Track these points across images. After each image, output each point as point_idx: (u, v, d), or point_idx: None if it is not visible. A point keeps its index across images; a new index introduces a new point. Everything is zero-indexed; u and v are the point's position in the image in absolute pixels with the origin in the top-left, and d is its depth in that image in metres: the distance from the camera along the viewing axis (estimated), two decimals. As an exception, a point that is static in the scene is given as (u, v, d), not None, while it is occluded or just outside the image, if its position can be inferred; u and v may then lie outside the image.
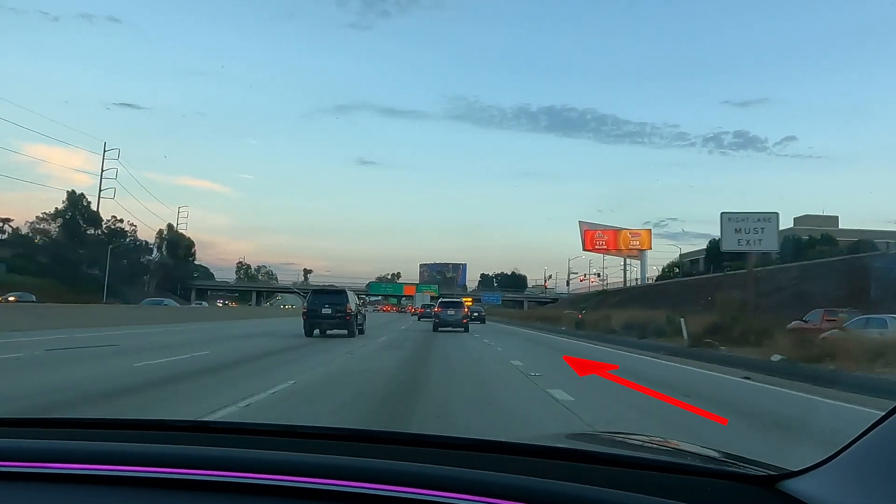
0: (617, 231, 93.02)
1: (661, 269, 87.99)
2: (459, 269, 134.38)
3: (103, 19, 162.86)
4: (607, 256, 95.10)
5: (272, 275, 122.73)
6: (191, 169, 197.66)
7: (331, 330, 22.43)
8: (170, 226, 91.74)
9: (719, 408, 7.97)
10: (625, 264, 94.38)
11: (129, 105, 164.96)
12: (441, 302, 34.57)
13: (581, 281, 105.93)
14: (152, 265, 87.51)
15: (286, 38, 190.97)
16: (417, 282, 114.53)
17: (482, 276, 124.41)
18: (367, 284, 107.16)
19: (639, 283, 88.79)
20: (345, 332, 22.37)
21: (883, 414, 0.97)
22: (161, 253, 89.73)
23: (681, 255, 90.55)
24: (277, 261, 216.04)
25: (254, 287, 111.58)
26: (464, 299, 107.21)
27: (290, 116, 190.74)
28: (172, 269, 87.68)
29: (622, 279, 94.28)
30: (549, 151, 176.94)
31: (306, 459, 1.12)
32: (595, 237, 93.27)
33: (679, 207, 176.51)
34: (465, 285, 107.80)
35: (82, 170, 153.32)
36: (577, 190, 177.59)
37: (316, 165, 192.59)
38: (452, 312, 31.23)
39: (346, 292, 24.08)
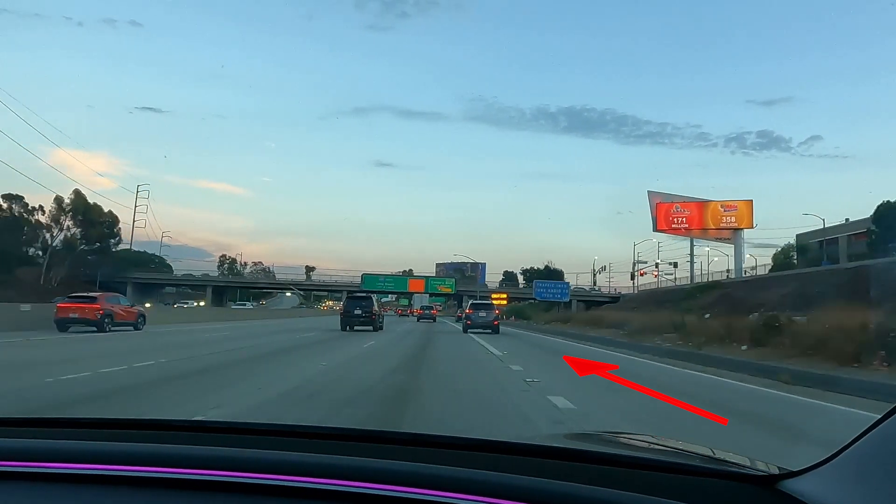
0: (703, 204, 68.23)
1: (753, 260, 66.11)
2: (478, 267, 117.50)
3: (125, 24, 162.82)
4: (685, 238, 72.48)
5: (269, 271, 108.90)
6: (210, 172, 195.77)
7: (359, 326, 29.14)
8: (77, 193, 66.14)
9: None
10: (691, 251, 71.79)
11: (150, 109, 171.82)
12: (472, 304, 34.21)
13: (642, 275, 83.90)
14: (49, 250, 64.61)
15: (305, 40, 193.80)
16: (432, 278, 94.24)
17: (506, 273, 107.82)
18: (361, 277, 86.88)
19: (730, 275, 65.94)
20: (370, 327, 29.18)
21: (883, 414, 0.96)
22: (65, 231, 65.45)
23: (797, 235, 66.42)
24: (293, 263, 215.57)
25: (230, 283, 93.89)
26: (496, 296, 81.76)
27: (309, 119, 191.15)
28: (85, 256, 66.98)
29: (688, 272, 72.22)
30: (569, 152, 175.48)
31: (306, 459, 1.12)
32: (671, 213, 70.14)
33: None
34: (484, 283, 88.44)
35: (105, 174, 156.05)
36: (596, 191, 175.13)
37: (333, 167, 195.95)
38: (484, 314, 31.36)
39: (372, 298, 32.61)
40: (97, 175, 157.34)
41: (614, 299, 74.08)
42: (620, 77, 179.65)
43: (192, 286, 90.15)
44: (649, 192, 72.29)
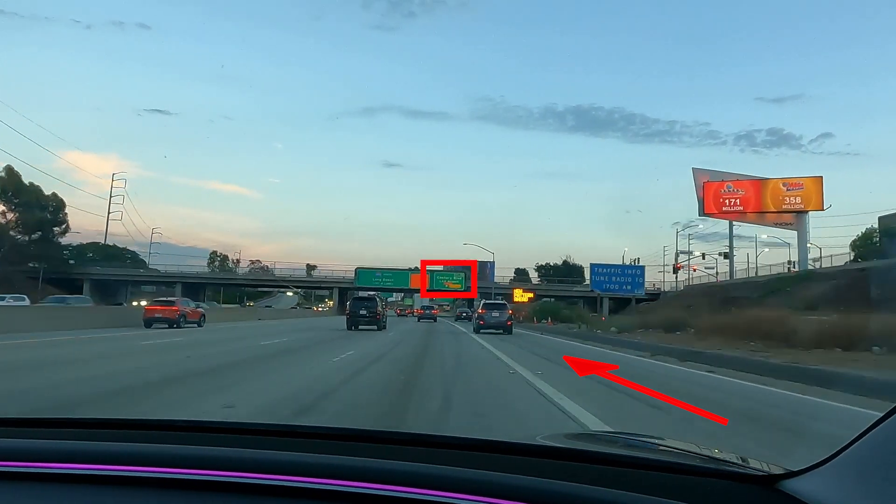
0: (760, 182, 57.68)
1: (817, 250, 54.98)
2: (487, 265, 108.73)
3: (133, 26, 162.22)
4: (744, 224, 61.30)
5: (267, 270, 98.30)
6: (219, 173, 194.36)
7: (364, 326, 30.31)
8: (9, 171, 56.48)
9: None
10: (730, 240, 60.94)
11: (159, 111, 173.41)
12: (485, 304, 33.02)
13: (679, 269, 72.76)
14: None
15: (312, 41, 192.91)
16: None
17: (517, 270, 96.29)
18: (355, 272, 75.50)
19: (794, 267, 54.67)
20: (374, 327, 30.34)
21: (883, 414, 0.96)
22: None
23: (880, 218, 54.35)
24: (300, 263, 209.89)
25: (204, 279, 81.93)
26: (519, 293, 68.82)
27: (316, 119, 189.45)
28: (25, 247, 56.94)
29: (727, 268, 61.37)
30: (577, 151, 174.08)
31: (306, 459, 1.12)
32: (722, 194, 58.95)
33: (695, 210, 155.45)
34: (494, 281, 78.67)
35: (116, 175, 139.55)
36: (604, 190, 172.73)
37: (341, 168, 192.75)
38: (497, 314, 30.39)
39: (376, 299, 33.52)
40: (106, 176, 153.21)
41: (653, 296, 62.88)
42: (628, 75, 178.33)
43: (168, 283, 79.09)
44: (694, 170, 61.18)
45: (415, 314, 75.19)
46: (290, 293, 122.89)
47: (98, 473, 1.12)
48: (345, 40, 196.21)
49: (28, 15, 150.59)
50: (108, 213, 79.54)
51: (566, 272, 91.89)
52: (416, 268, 76.31)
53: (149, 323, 27.95)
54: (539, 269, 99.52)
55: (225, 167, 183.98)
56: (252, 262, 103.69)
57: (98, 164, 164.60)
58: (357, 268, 75.99)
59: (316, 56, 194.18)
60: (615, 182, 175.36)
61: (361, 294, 41.78)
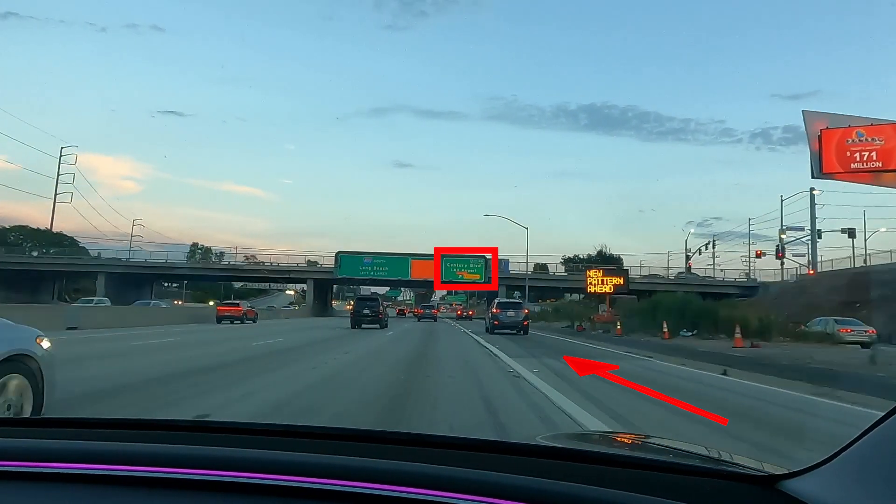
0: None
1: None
2: (501, 263, 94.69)
3: (147, 28, 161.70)
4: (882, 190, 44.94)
5: (260, 263, 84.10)
6: (233, 174, 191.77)
7: (366, 325, 32.38)
8: None
9: None
10: (812, 215, 45.28)
11: (173, 112, 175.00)
12: (499, 303, 31.40)
13: (759, 256, 57.22)
14: None
15: (324, 41, 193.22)
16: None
17: (537, 265, 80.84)
18: (336, 257, 59.12)
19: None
20: (377, 325, 32.48)
21: (883, 414, 0.95)
22: None
23: None
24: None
25: (133, 266, 65.29)
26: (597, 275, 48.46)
27: (328, 120, 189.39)
28: None
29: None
30: (590, 150, 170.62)
31: (307, 459, 1.12)
32: (848, 145, 42.18)
33: (724, 206, 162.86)
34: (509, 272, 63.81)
35: (129, 177, 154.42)
36: (617, 188, 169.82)
37: (353, 169, 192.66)
38: (512, 314, 29.01)
39: (378, 299, 36.48)
40: (122, 178, 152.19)
41: (748, 290, 46.68)
42: (642, 73, 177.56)
43: (87, 272, 63.40)
44: (806, 114, 43.31)
45: (414, 313, 67.96)
46: (289, 291, 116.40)
47: (98, 473, 1.11)
48: (356, 40, 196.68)
49: (43, 18, 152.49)
50: (56, 194, 64.80)
51: (603, 263, 75.78)
52: (418, 253, 61.64)
53: (219, 320, 36.26)
54: (567, 261, 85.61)
55: (238, 168, 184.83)
56: (248, 257, 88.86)
57: (113, 166, 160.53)
58: (338, 252, 59.05)
59: (328, 56, 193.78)
60: (628, 180, 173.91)
61: (365, 294, 44.61)
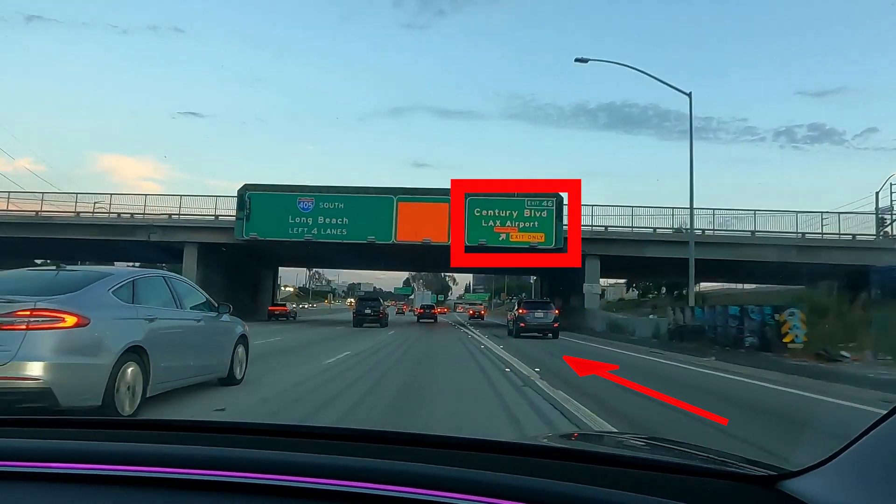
0: None
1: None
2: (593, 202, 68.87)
3: (168, 30, 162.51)
4: None
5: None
6: (251, 175, 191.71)
7: (368, 324, 33.26)
8: None
9: None
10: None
11: (192, 113, 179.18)
12: (526, 302, 28.40)
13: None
14: None
15: (343, 41, 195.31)
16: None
17: None
18: (241, 198, 31.78)
19: None
20: (378, 324, 33.50)
21: (883, 414, 0.95)
22: None
23: None
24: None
25: None
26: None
27: (347, 120, 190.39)
28: None
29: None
30: (609, 149, 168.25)
31: (306, 459, 1.11)
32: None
33: (746, 205, 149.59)
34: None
35: (150, 178, 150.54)
36: (638, 188, 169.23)
37: (371, 168, 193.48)
38: (541, 315, 26.05)
39: (379, 298, 37.85)
40: (143, 179, 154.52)
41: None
42: (663, 70, 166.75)
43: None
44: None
45: (414, 312, 61.04)
46: (288, 287, 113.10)
47: (98, 473, 1.11)
48: (375, 40, 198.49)
49: (67, 20, 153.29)
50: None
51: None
52: (413, 189, 32.88)
53: (270, 317, 42.12)
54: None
55: (257, 168, 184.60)
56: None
57: (135, 167, 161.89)
58: (244, 188, 31.61)
59: (346, 57, 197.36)
60: (649, 179, 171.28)
61: (366, 294, 48.06)
